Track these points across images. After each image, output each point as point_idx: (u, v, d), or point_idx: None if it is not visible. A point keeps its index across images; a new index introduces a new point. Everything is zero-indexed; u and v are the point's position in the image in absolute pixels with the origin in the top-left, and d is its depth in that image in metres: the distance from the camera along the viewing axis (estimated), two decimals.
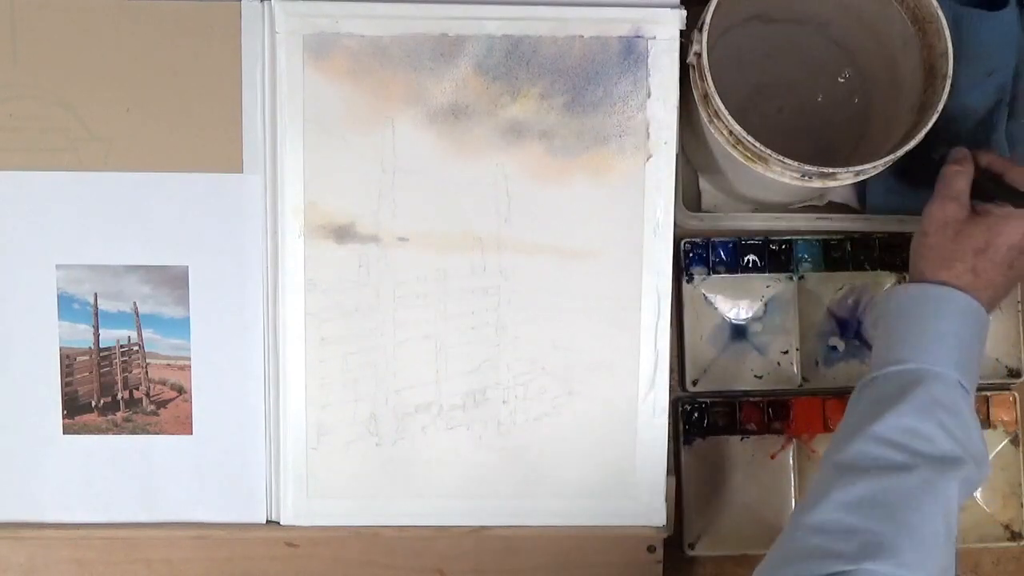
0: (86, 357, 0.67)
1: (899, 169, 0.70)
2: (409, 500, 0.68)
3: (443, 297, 0.67)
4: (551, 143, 0.66)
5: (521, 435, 0.68)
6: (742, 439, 0.72)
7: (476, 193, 0.66)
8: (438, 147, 0.66)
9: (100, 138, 0.66)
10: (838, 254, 0.72)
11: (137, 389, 0.68)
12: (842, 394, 0.72)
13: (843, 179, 0.62)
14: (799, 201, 0.72)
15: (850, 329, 0.73)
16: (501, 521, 0.68)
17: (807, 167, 0.59)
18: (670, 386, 0.68)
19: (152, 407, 0.68)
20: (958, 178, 0.61)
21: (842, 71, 0.72)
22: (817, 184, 0.62)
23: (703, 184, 0.73)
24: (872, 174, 0.62)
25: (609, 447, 0.67)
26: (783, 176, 0.61)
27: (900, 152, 0.59)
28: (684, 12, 0.65)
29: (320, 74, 0.65)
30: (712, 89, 0.60)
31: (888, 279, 0.73)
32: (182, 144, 0.66)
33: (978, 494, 0.72)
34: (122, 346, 0.67)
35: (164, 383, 0.67)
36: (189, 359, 0.67)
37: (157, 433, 0.68)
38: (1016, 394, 0.73)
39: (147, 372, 0.67)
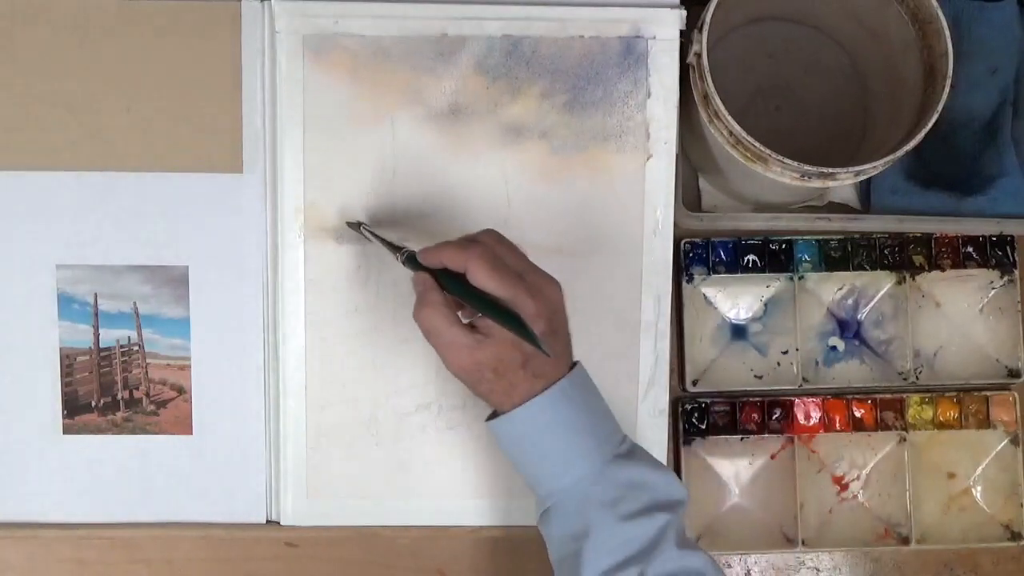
0: (86, 357, 0.67)
1: (905, 169, 0.71)
2: (409, 500, 0.68)
3: None
4: (551, 143, 0.66)
5: None
6: (742, 439, 0.72)
7: (476, 193, 0.66)
8: (438, 147, 0.66)
9: (100, 138, 0.66)
10: (838, 254, 0.72)
11: (137, 389, 0.68)
12: (842, 394, 0.72)
13: (843, 179, 0.62)
14: (799, 201, 0.73)
15: (850, 329, 0.73)
16: (501, 521, 0.68)
17: (807, 167, 0.59)
18: (670, 386, 0.68)
19: (152, 407, 0.68)
20: (439, 324, 0.53)
21: (843, 71, 0.72)
22: (817, 184, 0.62)
23: (703, 184, 0.73)
24: (872, 174, 0.62)
25: None
26: (783, 176, 0.61)
27: (900, 152, 0.59)
28: (684, 12, 0.65)
29: (320, 74, 0.65)
30: (712, 89, 0.60)
31: (888, 279, 0.73)
32: (182, 144, 0.66)
33: (978, 494, 0.72)
34: (122, 346, 0.67)
35: (164, 383, 0.67)
36: (189, 359, 0.67)
37: (157, 433, 0.68)
38: (1016, 394, 0.73)
39: (147, 372, 0.67)
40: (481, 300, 0.52)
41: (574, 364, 0.56)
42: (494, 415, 0.56)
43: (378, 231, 0.62)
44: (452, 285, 0.54)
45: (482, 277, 0.52)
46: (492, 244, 0.54)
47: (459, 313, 0.54)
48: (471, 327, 0.53)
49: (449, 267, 0.54)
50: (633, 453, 0.56)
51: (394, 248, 0.59)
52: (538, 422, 0.54)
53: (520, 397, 0.53)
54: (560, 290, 0.55)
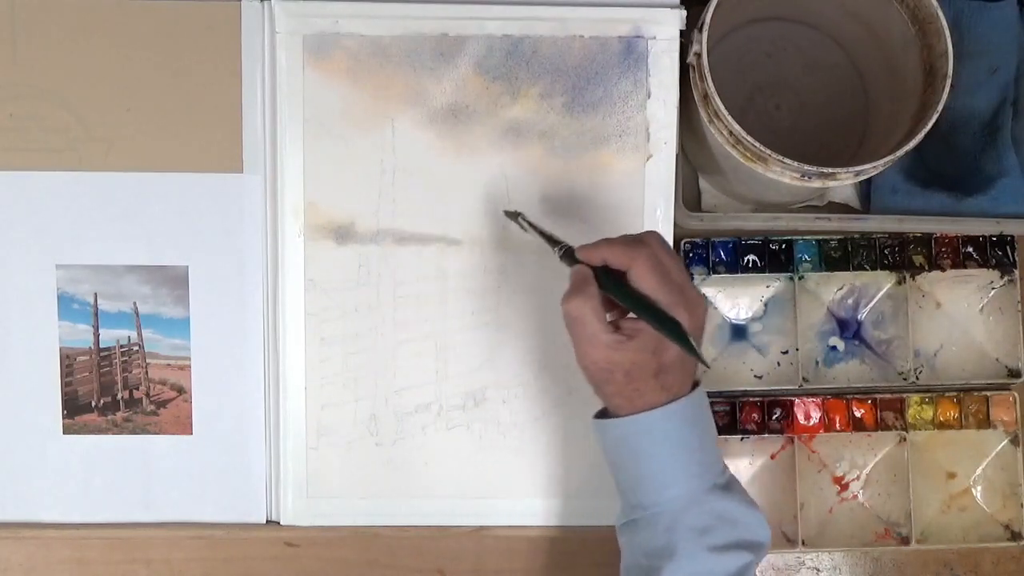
0: (86, 357, 0.67)
1: (905, 169, 0.71)
2: (409, 500, 0.68)
3: (443, 297, 0.67)
4: (551, 143, 0.66)
5: (521, 435, 0.68)
6: (742, 439, 0.72)
7: (476, 193, 0.66)
8: (438, 147, 0.66)
9: (100, 138, 0.66)
10: (838, 254, 0.72)
11: (137, 389, 0.68)
12: (842, 394, 0.72)
13: (843, 179, 0.62)
14: (799, 201, 0.73)
15: (850, 329, 0.73)
16: (501, 521, 0.68)
17: (807, 167, 0.59)
18: None
19: (152, 407, 0.68)
20: (587, 317, 0.52)
21: (842, 71, 0.72)
22: (817, 184, 0.62)
23: (703, 184, 0.73)
24: (872, 174, 0.62)
25: None
26: (783, 176, 0.61)
27: (900, 152, 0.59)
28: (684, 12, 0.65)
29: (320, 74, 0.65)
30: (712, 89, 0.60)
31: (888, 279, 0.73)
32: (182, 144, 0.66)
33: (978, 494, 0.72)
34: (122, 346, 0.67)
35: (164, 383, 0.67)
36: (189, 359, 0.67)
37: (157, 433, 0.68)
38: (1016, 394, 0.73)
39: (147, 372, 0.67)
40: (638, 301, 0.52)
41: (695, 385, 0.56)
42: (603, 414, 0.56)
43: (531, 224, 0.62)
44: (609, 283, 0.53)
45: (647, 280, 0.52)
46: (657, 249, 0.53)
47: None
48: (615, 326, 0.53)
49: (611, 265, 0.53)
50: (730, 486, 0.56)
51: (552, 242, 0.58)
52: (654, 433, 0.54)
53: (643, 405, 0.53)
54: (707, 311, 0.55)
